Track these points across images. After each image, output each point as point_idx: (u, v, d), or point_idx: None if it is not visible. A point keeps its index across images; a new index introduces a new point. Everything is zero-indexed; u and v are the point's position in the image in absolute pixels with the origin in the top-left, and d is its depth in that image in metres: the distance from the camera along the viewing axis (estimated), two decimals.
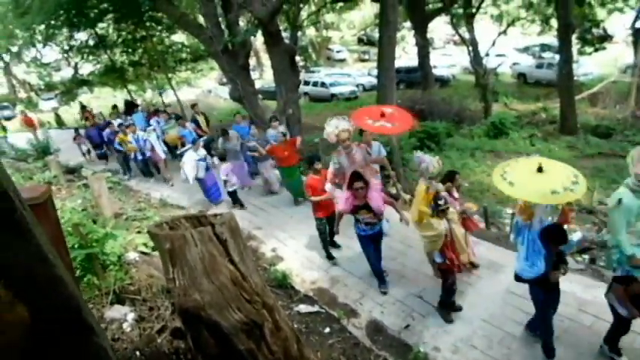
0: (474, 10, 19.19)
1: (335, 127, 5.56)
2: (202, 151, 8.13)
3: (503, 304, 4.75)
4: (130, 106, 14.09)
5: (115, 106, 14.10)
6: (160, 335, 2.98)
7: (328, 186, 5.65)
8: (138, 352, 2.79)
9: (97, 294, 3.63)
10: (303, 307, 5.01)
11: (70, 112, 24.17)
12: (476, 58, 18.18)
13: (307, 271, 5.89)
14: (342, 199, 4.81)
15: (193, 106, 11.56)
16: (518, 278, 3.90)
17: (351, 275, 5.68)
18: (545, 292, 3.77)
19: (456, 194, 5.10)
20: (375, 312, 4.93)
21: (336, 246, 6.27)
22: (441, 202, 4.27)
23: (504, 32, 19.49)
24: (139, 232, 5.68)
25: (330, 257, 6.05)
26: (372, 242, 5.04)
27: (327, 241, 6.04)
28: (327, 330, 4.62)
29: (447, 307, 4.67)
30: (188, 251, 2.64)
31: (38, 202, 2.33)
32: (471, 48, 18.13)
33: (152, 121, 11.03)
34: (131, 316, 3.30)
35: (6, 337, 1.19)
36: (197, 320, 2.75)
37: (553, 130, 14.36)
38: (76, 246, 3.84)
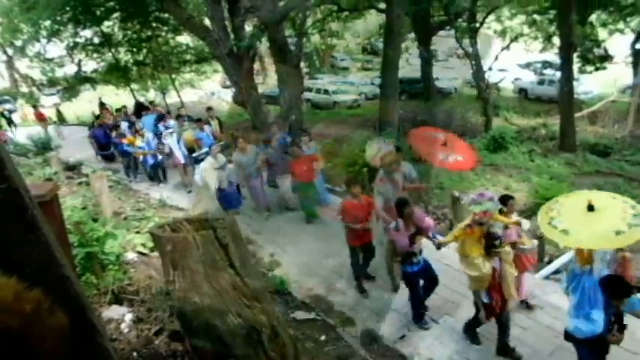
0: (477, 25, 19.39)
1: (378, 149, 5.28)
2: (221, 158, 7.55)
3: None
4: (140, 108, 13.91)
5: (118, 109, 13.92)
6: (157, 337, 2.99)
7: (382, 213, 5.21)
8: (135, 354, 2.79)
9: (95, 293, 3.63)
10: (299, 314, 5.01)
11: (72, 109, 24.16)
12: (478, 72, 18.34)
13: (305, 278, 5.89)
14: (399, 235, 4.40)
15: (209, 109, 11.39)
16: (569, 337, 3.41)
17: (349, 283, 5.68)
18: (597, 357, 3.27)
19: (512, 224, 4.51)
20: (371, 321, 4.94)
21: (371, 277, 5.70)
22: (496, 243, 3.86)
23: (507, 47, 19.68)
24: (137, 233, 5.67)
25: (361, 290, 5.48)
26: (420, 279, 4.68)
27: (360, 270, 5.56)
28: (323, 337, 4.62)
29: (505, 350, 4.23)
30: (189, 254, 2.65)
31: (45, 199, 2.34)
32: (473, 62, 18.28)
33: (160, 126, 10.76)
34: (129, 317, 3.30)
35: (48, 344, 1.19)
36: (196, 323, 2.76)
37: (552, 146, 14.45)
38: (75, 244, 3.85)
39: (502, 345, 4.22)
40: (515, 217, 4.63)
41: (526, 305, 4.87)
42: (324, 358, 4.23)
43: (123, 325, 3.20)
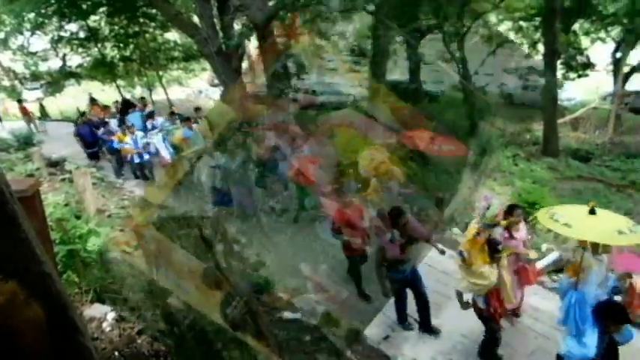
0: (465, 30, 19.66)
1: (370, 159, 5.22)
2: (218, 157, 7.53)
3: None
4: (127, 106, 13.65)
5: (106, 106, 13.62)
6: (140, 336, 2.94)
7: (377, 221, 4.92)
8: (117, 353, 2.75)
9: (76, 291, 3.56)
10: (284, 314, 5.00)
11: (56, 104, 23.62)
12: (465, 76, 18.59)
13: (290, 278, 5.88)
14: (392, 244, 4.33)
15: (197, 109, 11.24)
16: None
17: (334, 284, 5.70)
18: None
19: (518, 233, 4.45)
20: (356, 322, 4.96)
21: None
22: (499, 248, 3.91)
23: (493, 52, 20.00)
24: (121, 231, 5.58)
25: (366, 298, 5.40)
26: (406, 286, 4.63)
27: (360, 278, 5.47)
28: (308, 338, 4.62)
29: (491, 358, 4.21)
30: (174, 253, 2.63)
31: (26, 195, 2.30)
32: (460, 66, 18.53)
33: (148, 123, 10.58)
34: (111, 316, 3.24)
35: (29, 337, 1.17)
36: (180, 322, 2.74)
37: (536, 151, 14.76)
38: (57, 241, 3.77)
39: (489, 352, 4.25)
40: (518, 232, 4.51)
41: (513, 312, 4.81)
42: (309, 358, 4.24)
43: (105, 324, 3.14)
